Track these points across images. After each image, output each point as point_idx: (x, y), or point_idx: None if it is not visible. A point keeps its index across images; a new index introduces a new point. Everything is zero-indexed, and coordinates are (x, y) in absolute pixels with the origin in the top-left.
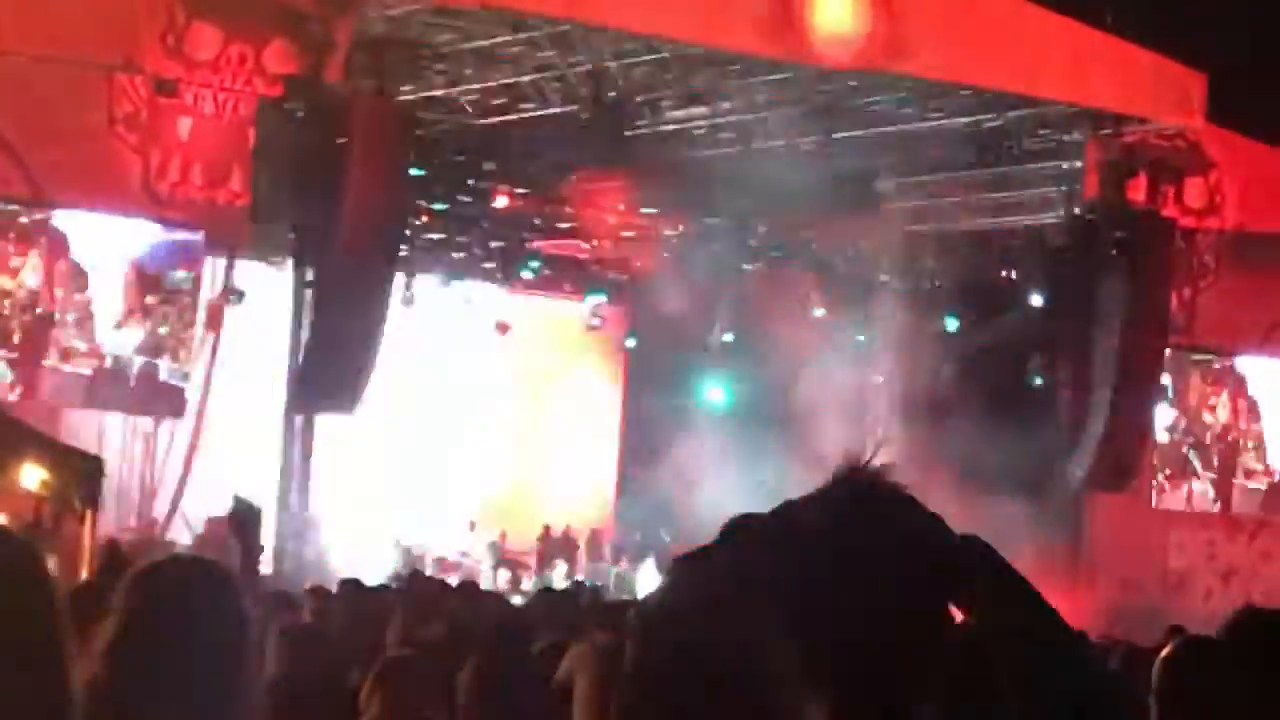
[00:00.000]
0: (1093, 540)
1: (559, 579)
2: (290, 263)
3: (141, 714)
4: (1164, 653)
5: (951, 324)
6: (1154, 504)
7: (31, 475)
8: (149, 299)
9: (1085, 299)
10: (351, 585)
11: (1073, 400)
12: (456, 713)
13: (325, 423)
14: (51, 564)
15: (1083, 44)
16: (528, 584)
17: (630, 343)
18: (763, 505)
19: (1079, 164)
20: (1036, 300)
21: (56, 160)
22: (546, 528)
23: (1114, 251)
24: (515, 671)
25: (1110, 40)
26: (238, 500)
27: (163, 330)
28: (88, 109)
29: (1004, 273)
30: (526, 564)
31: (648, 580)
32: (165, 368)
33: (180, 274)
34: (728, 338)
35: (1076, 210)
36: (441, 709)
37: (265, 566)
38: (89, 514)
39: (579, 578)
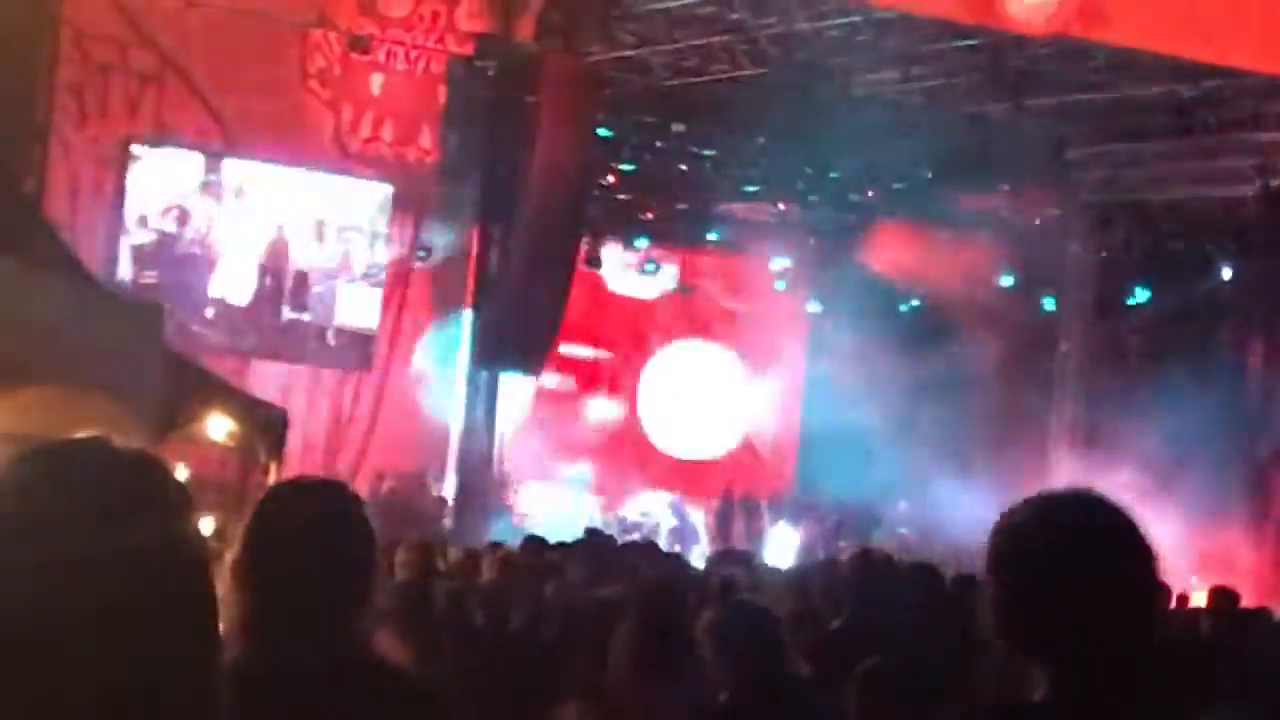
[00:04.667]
0: (1276, 518)
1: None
2: (478, 221)
3: (269, 628)
4: None
5: (1141, 294)
6: None
7: (218, 426)
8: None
9: (1277, 273)
10: (534, 542)
11: (1262, 374)
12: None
13: (508, 381)
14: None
15: None
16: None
17: (814, 307)
18: (940, 477)
19: (1275, 135)
20: (1227, 273)
21: (249, 112)
22: (727, 489)
23: None
24: (671, 634)
25: None
26: None
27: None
28: (281, 63)
29: (1195, 244)
30: (707, 526)
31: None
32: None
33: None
34: (914, 303)
35: (1271, 182)
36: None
37: (447, 520)
38: (274, 467)
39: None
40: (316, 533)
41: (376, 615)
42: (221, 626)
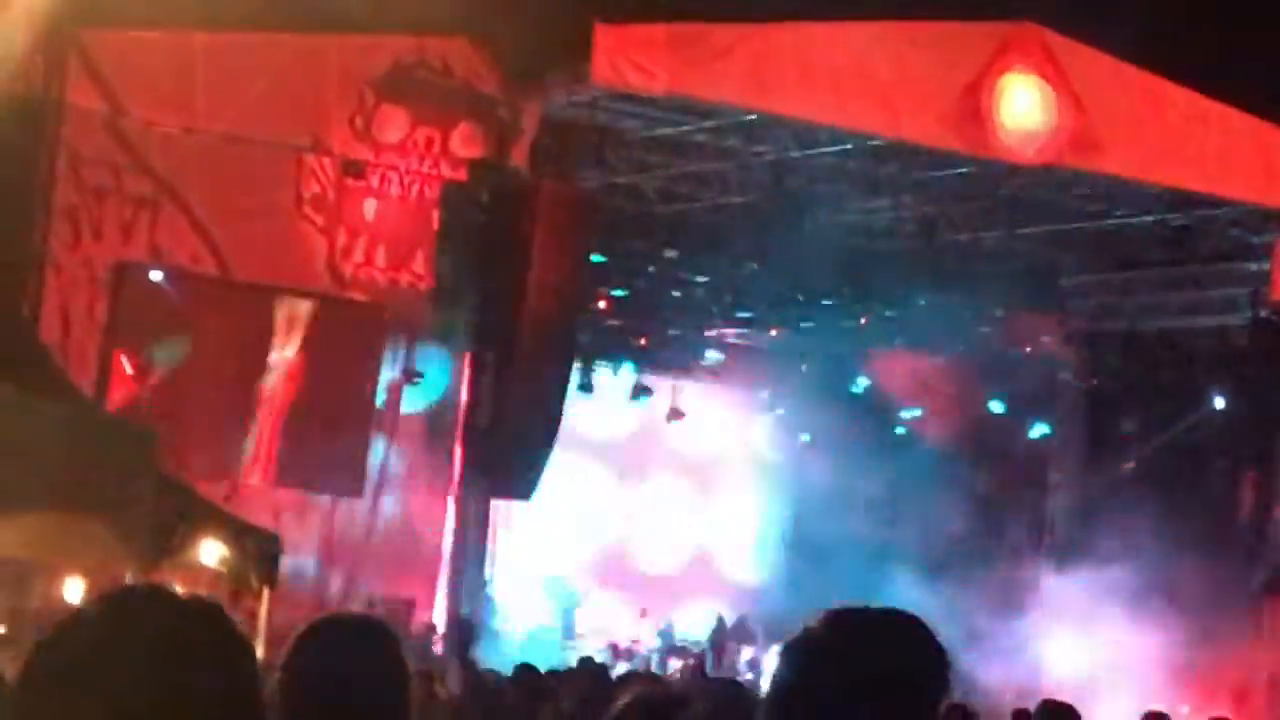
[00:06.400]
0: (1269, 646)
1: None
2: (471, 346)
3: None
4: None
5: (1132, 423)
6: None
7: (211, 551)
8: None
9: (1269, 403)
10: (523, 669)
11: (1254, 505)
12: None
13: (499, 506)
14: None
15: (1272, 144)
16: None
17: (805, 431)
18: (926, 600)
19: (1266, 265)
20: (1219, 402)
21: (244, 238)
22: (720, 615)
23: None
24: None
25: None
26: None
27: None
28: (276, 188)
29: (1188, 373)
30: (697, 652)
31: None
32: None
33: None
34: (902, 430)
35: (1262, 312)
36: None
37: (437, 647)
38: (265, 592)
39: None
40: (351, 670)
41: None
42: None
